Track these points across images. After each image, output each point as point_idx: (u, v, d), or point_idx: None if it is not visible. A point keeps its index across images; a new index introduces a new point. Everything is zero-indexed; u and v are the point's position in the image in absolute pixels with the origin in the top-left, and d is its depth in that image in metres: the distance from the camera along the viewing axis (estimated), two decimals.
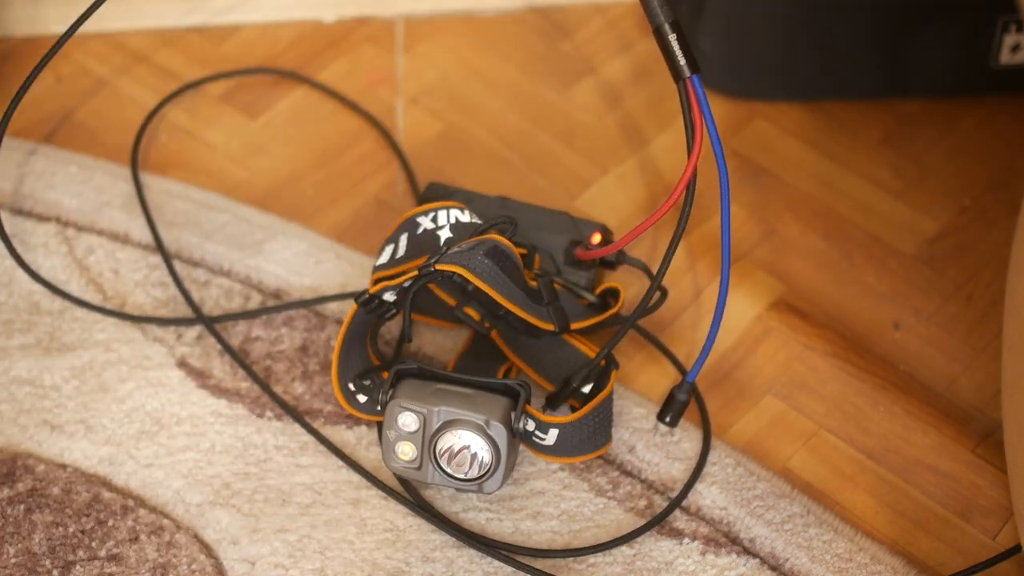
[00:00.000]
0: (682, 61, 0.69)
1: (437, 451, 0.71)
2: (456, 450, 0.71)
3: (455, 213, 0.79)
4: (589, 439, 0.75)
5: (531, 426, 0.73)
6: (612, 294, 0.81)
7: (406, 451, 0.71)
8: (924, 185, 0.93)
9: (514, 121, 0.95)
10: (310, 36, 0.99)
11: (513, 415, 0.71)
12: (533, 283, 0.77)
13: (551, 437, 0.73)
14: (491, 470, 0.71)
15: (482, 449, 0.70)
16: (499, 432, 0.70)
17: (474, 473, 0.71)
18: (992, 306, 0.86)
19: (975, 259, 0.89)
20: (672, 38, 0.69)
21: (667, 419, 0.79)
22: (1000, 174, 0.93)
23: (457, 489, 0.72)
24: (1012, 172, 0.93)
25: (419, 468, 0.71)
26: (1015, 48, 0.94)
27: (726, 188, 0.71)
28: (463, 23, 1.01)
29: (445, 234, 0.78)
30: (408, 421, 0.70)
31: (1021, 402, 0.69)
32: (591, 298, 0.79)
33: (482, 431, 0.70)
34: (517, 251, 0.77)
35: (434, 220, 0.79)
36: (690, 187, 0.70)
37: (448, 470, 0.71)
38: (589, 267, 0.81)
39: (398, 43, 0.99)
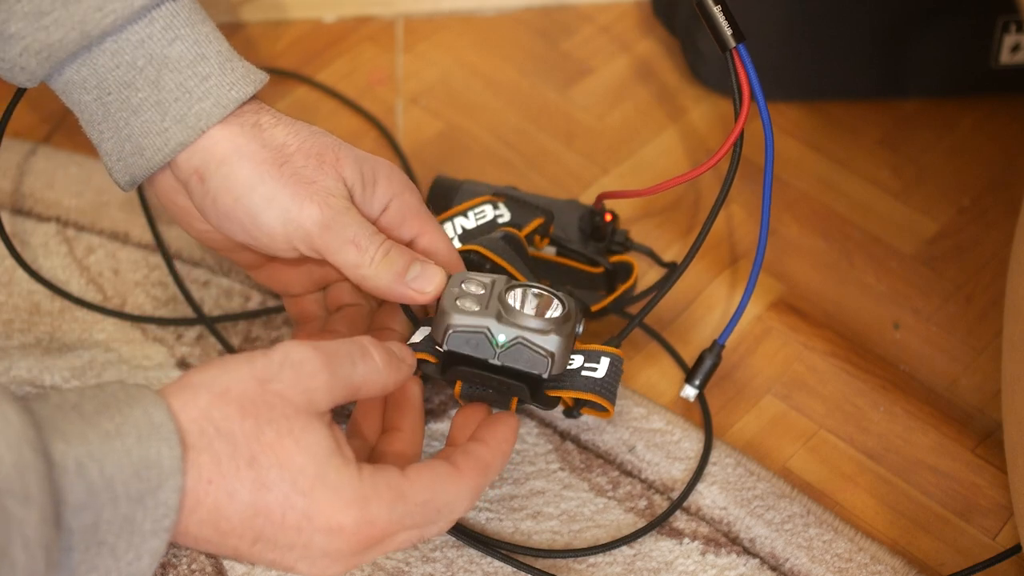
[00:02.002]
0: (728, 31, 0.70)
1: (507, 299, 0.68)
2: (530, 296, 0.69)
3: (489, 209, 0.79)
4: (615, 388, 0.72)
5: (577, 363, 0.70)
6: (625, 268, 0.81)
7: (468, 305, 0.67)
8: (923, 185, 0.93)
9: (514, 121, 0.95)
10: (310, 36, 1.00)
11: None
12: (547, 255, 0.78)
13: (602, 368, 0.70)
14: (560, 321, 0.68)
15: (556, 299, 0.68)
16: (568, 301, 0.68)
17: (553, 314, 0.68)
18: (992, 306, 0.86)
19: (975, 259, 0.89)
20: (716, 9, 0.70)
21: (696, 382, 0.79)
22: (1000, 174, 0.93)
23: (522, 343, 0.68)
24: (1012, 172, 0.93)
25: (480, 312, 0.67)
26: (1015, 48, 0.94)
27: (770, 151, 0.72)
28: (463, 23, 1.01)
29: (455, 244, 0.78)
30: (473, 287, 0.68)
31: (1021, 402, 0.69)
32: (607, 265, 0.80)
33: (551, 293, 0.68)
34: (535, 223, 0.78)
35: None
36: (736, 148, 0.71)
37: (524, 310, 0.68)
38: (600, 240, 0.81)
39: (398, 43, 0.99)
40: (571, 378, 0.70)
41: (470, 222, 0.78)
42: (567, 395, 0.70)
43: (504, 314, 0.67)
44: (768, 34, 0.94)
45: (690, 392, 0.80)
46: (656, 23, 1.01)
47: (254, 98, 0.69)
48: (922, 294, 0.87)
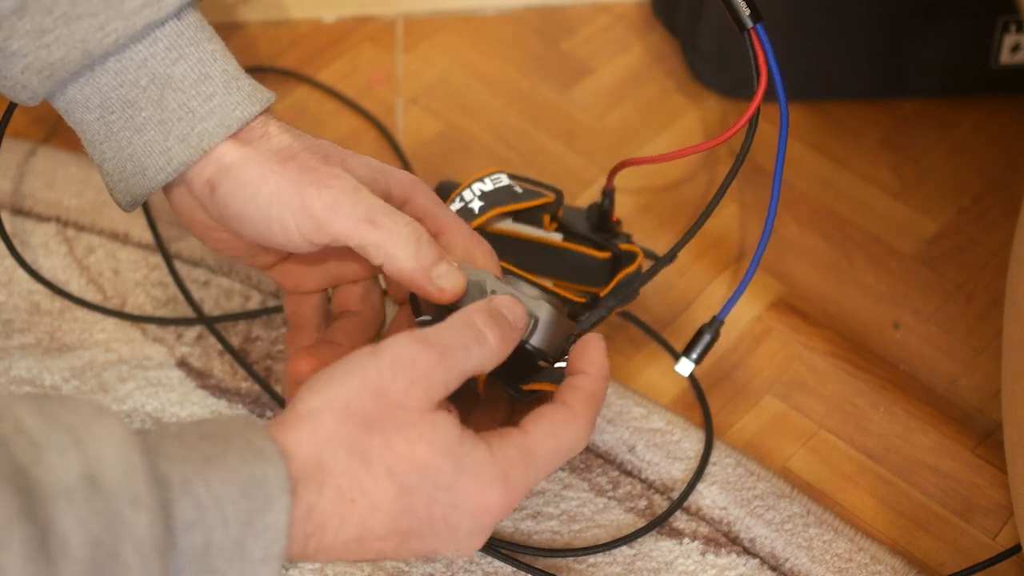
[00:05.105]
0: (746, 12, 0.71)
1: (506, 277, 0.69)
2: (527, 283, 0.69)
3: (477, 186, 0.79)
4: None
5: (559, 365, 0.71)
6: (629, 256, 0.80)
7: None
8: (923, 185, 0.93)
9: (514, 121, 0.95)
10: (310, 36, 1.00)
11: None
12: (554, 240, 0.78)
13: None
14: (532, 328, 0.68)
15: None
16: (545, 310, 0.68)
17: (546, 295, 0.69)
18: (992, 306, 0.86)
19: (975, 259, 0.89)
20: None
21: (693, 356, 0.75)
22: (1000, 174, 0.93)
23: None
24: (1012, 172, 0.93)
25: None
26: (1015, 48, 0.94)
27: (785, 127, 0.73)
28: (463, 23, 1.01)
29: (476, 204, 0.78)
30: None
31: (1021, 402, 0.69)
32: (615, 250, 0.80)
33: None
34: (542, 200, 0.78)
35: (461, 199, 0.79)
36: (752, 123, 0.72)
37: (522, 285, 0.69)
38: (606, 230, 0.81)
39: (398, 43, 0.99)
40: (546, 373, 0.70)
41: (487, 186, 0.78)
42: (542, 387, 0.70)
43: (505, 281, 0.68)
44: (768, 34, 0.94)
45: (685, 366, 0.75)
46: (656, 23, 1.01)
47: (266, 112, 0.68)
48: (922, 294, 0.87)
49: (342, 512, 0.57)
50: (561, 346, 0.69)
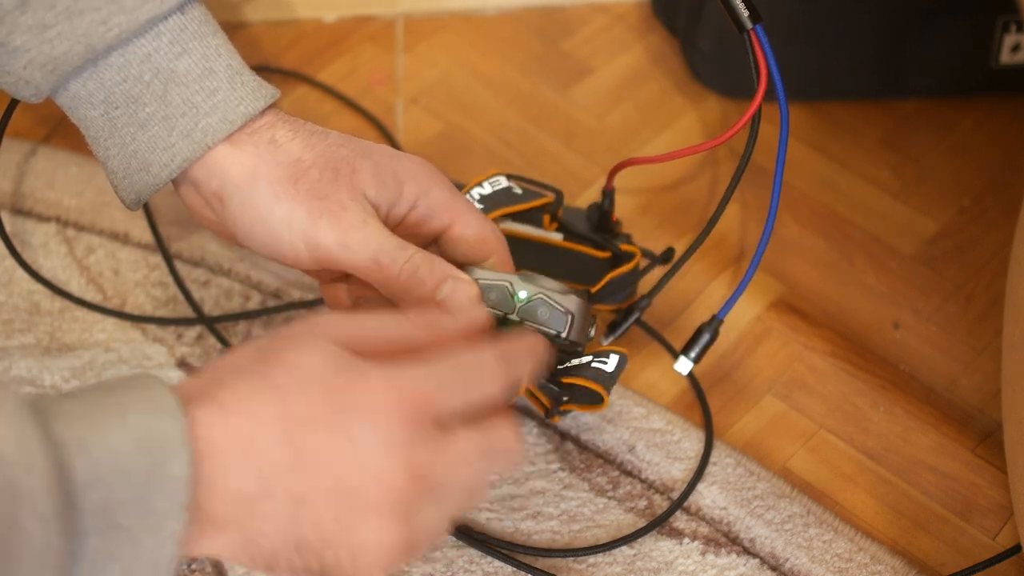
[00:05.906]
0: (745, 13, 0.71)
1: (526, 272, 0.69)
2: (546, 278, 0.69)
3: (476, 191, 0.79)
4: (615, 383, 0.74)
5: (588, 359, 0.72)
6: (628, 257, 0.80)
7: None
8: (923, 185, 0.93)
9: (514, 121, 0.95)
10: (310, 36, 1.00)
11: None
12: (554, 240, 0.78)
13: (612, 363, 0.72)
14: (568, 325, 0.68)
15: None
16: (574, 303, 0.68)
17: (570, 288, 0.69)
18: (992, 306, 0.86)
19: (974, 259, 0.89)
20: None
21: (692, 355, 0.76)
22: (1000, 174, 0.93)
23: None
24: (1012, 172, 0.93)
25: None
26: (1015, 48, 0.94)
27: (785, 128, 0.73)
28: (463, 23, 1.01)
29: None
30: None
31: (1021, 402, 0.69)
32: (615, 249, 0.80)
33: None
34: (543, 201, 0.78)
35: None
36: (753, 124, 0.72)
37: (543, 280, 0.68)
38: (606, 231, 0.81)
39: (398, 43, 0.99)
40: (584, 369, 0.71)
41: (486, 190, 0.78)
42: (579, 382, 0.71)
43: (525, 279, 0.68)
44: (768, 34, 0.94)
45: (684, 365, 0.76)
46: (656, 23, 1.01)
47: (273, 108, 0.68)
48: (922, 294, 0.87)
49: (228, 430, 0.52)
50: (586, 333, 0.70)
